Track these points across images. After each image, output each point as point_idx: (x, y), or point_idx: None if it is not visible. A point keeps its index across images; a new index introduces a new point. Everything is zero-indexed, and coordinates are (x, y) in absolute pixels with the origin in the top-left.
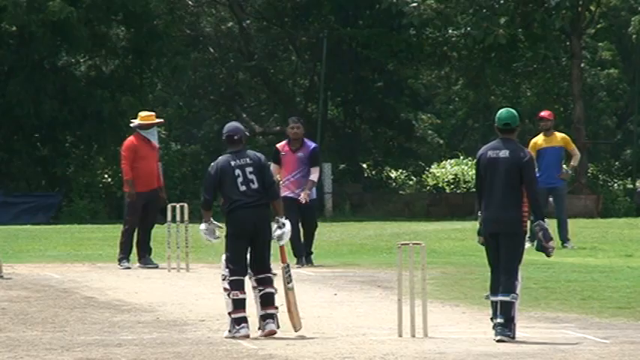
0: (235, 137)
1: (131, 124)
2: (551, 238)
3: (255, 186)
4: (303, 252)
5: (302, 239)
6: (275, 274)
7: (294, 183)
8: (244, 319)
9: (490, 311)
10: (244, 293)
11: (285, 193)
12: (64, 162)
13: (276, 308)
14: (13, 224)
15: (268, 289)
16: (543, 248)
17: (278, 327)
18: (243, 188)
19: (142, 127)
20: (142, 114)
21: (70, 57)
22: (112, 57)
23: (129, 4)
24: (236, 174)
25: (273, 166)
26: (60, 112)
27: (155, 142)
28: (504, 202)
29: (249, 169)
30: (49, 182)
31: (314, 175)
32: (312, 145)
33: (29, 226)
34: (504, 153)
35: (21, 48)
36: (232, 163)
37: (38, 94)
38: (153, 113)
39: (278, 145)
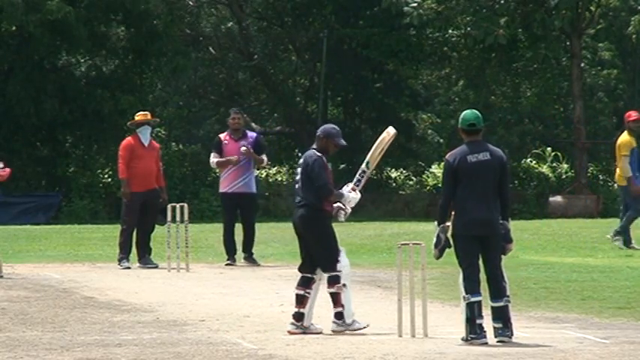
0: (317, 134)
1: (128, 124)
2: (512, 240)
3: (300, 186)
4: (233, 250)
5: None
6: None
7: (235, 173)
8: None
9: (465, 312)
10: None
11: (223, 189)
12: (64, 162)
13: (302, 307)
14: (13, 224)
15: (297, 291)
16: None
17: (298, 328)
18: (297, 186)
19: (134, 125)
20: (137, 113)
21: (69, 57)
22: (112, 57)
23: (128, 4)
24: (297, 171)
25: (212, 154)
26: (60, 112)
27: (145, 140)
28: (493, 204)
29: (299, 169)
30: (49, 182)
31: (264, 158)
32: (255, 134)
33: (29, 226)
34: (485, 155)
35: (21, 48)
36: (300, 161)
37: (38, 94)
38: (147, 112)
39: (220, 135)
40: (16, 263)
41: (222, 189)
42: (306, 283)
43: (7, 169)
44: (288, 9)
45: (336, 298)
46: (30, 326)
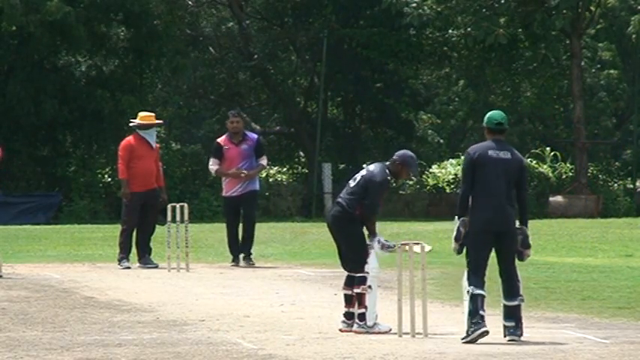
0: (394, 157)
1: (130, 124)
2: (529, 246)
3: (351, 185)
4: (237, 251)
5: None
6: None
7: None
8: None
9: (468, 305)
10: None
11: (227, 192)
12: (64, 162)
13: (351, 307)
14: (13, 224)
15: (344, 291)
16: (518, 253)
17: (349, 325)
18: (350, 182)
19: (140, 127)
20: (142, 114)
21: (70, 57)
22: (112, 57)
23: (128, 4)
24: (360, 173)
25: (212, 161)
26: (60, 111)
27: (153, 143)
28: (508, 201)
29: (362, 173)
30: (49, 182)
31: (264, 161)
32: (255, 136)
33: (29, 226)
34: (505, 154)
35: (21, 48)
36: (369, 167)
37: (38, 94)
38: (153, 114)
39: (219, 140)
40: (16, 263)
41: (225, 193)
42: (351, 283)
43: None
44: (288, 9)
45: (360, 299)
46: (30, 326)
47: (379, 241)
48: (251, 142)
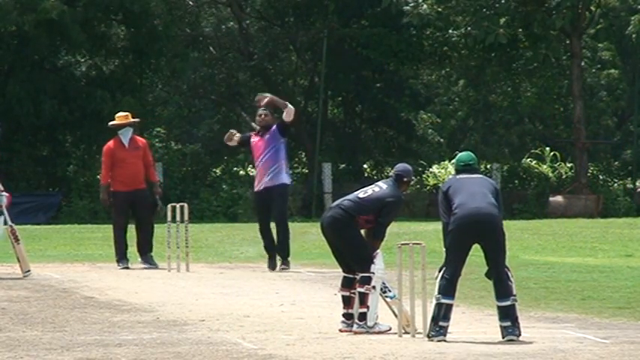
0: (403, 177)
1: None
2: None
3: (360, 196)
4: (274, 250)
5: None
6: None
7: (264, 165)
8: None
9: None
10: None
11: (255, 188)
12: (64, 162)
13: (350, 308)
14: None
15: (341, 292)
16: None
17: (349, 326)
18: (360, 194)
19: (115, 127)
20: (118, 114)
21: (69, 57)
22: (112, 57)
23: (127, 3)
24: (372, 187)
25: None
26: (60, 112)
27: (126, 142)
28: (490, 201)
29: (374, 188)
30: (49, 182)
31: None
32: (275, 124)
33: (29, 226)
34: (476, 174)
35: (20, 48)
36: (382, 185)
37: (38, 94)
38: (127, 114)
39: (251, 132)
40: (16, 263)
41: (254, 188)
42: (349, 284)
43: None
44: (289, 9)
45: (363, 299)
46: (30, 326)
47: (381, 263)
48: (272, 130)
